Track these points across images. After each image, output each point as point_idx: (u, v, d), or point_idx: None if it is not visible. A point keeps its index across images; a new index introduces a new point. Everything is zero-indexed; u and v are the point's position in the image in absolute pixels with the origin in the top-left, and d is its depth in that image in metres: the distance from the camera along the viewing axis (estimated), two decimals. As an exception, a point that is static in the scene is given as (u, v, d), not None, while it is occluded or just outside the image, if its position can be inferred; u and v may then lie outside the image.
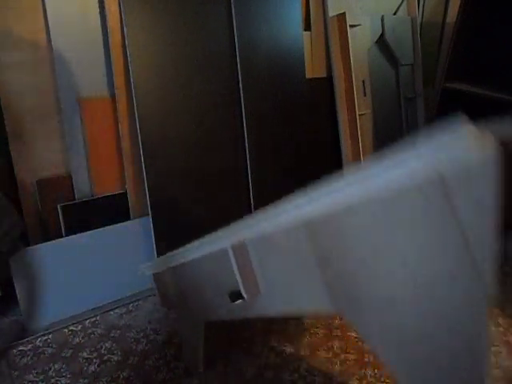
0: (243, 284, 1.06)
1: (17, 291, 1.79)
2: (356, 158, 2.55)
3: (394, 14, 2.82)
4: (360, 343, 1.84)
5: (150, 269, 1.66)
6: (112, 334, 1.85)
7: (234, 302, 1.20)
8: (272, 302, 1.07)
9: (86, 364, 1.69)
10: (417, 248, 0.63)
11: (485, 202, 0.51)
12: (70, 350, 1.76)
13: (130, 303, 2.04)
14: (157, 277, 1.68)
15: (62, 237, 1.88)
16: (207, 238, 1.21)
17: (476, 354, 0.58)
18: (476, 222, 0.54)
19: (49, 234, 1.89)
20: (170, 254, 1.49)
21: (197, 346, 1.60)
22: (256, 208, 2.25)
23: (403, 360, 0.69)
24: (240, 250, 1.09)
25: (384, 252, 0.69)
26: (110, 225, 1.96)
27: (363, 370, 1.70)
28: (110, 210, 1.99)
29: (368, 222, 0.72)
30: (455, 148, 0.52)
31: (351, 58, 2.42)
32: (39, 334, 1.83)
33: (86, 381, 1.62)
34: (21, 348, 1.76)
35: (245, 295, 1.07)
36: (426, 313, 0.65)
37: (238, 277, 1.07)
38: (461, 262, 0.56)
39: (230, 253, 1.09)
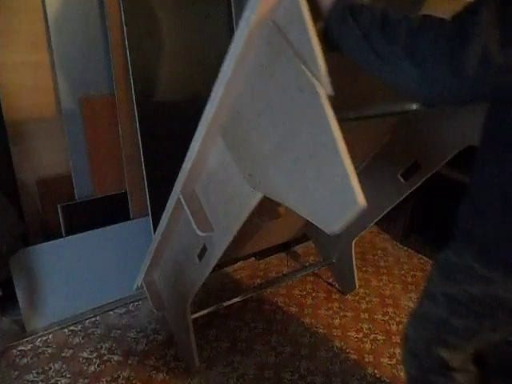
0: (197, 224, 1.11)
1: (17, 291, 1.79)
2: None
3: (394, 14, 2.82)
4: (360, 343, 1.84)
5: (141, 276, 1.68)
6: (112, 334, 1.85)
7: (201, 259, 1.27)
8: (223, 231, 1.11)
9: (86, 364, 1.69)
10: (279, 88, 0.78)
11: (304, 27, 0.69)
12: (70, 350, 1.76)
13: (129, 303, 2.04)
14: (146, 280, 1.70)
15: (62, 237, 1.88)
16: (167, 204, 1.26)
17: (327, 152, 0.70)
18: (304, 43, 0.70)
19: (49, 233, 1.89)
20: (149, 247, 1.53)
21: (189, 342, 1.61)
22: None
23: (303, 194, 0.79)
24: (187, 190, 1.14)
25: (262, 110, 0.83)
26: (110, 225, 1.96)
27: (363, 370, 1.70)
28: (110, 210, 1.98)
29: (243, 87, 0.86)
30: None
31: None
32: (39, 333, 1.83)
33: (86, 381, 1.62)
34: (21, 348, 1.76)
35: (201, 234, 1.11)
36: (299, 136, 0.76)
37: (191, 219, 1.11)
38: (305, 76, 0.70)
39: (182, 199, 1.13)
